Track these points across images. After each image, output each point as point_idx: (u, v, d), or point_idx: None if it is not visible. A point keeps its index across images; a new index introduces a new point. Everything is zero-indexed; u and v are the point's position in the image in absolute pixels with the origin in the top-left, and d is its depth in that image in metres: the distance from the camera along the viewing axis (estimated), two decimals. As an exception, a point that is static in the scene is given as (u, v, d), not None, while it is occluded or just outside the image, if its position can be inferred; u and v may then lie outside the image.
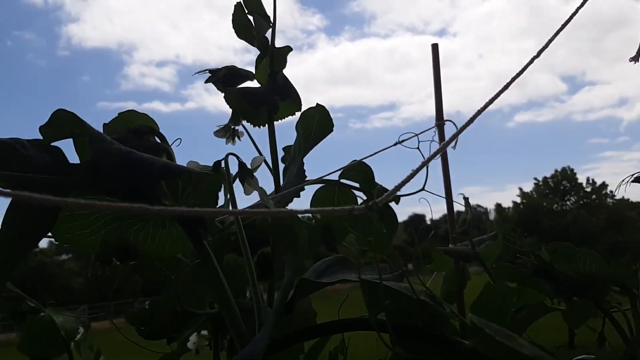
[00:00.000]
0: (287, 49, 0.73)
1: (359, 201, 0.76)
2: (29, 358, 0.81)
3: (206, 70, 0.73)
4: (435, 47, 1.02)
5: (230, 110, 0.74)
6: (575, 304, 0.61)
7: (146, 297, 0.73)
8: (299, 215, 0.62)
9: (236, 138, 0.79)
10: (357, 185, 0.76)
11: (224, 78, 0.73)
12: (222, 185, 0.45)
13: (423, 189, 0.87)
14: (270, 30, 0.73)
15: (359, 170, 0.75)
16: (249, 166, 0.73)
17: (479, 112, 0.34)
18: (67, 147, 0.39)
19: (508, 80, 0.35)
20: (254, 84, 0.76)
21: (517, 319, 0.70)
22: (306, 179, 0.67)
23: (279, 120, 0.74)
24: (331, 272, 0.52)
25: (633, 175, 0.67)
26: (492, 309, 0.69)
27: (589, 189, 18.74)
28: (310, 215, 0.75)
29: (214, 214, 0.41)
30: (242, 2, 0.73)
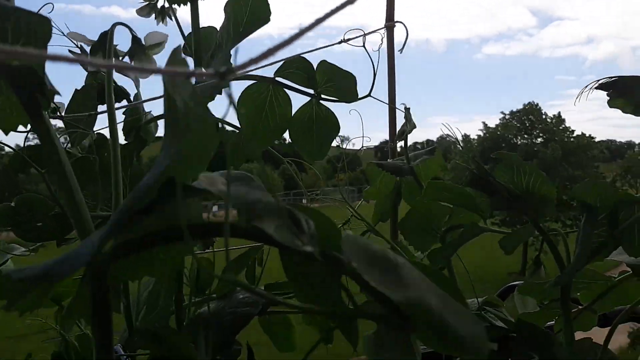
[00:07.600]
0: None
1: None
2: None
3: None
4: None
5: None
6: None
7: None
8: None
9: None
10: (296, 85, 0.64)
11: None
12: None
13: (369, 95, 0.77)
14: None
15: (300, 67, 0.62)
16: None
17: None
18: None
19: None
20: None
21: (449, 240, 0.63)
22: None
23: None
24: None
25: (598, 81, 0.57)
26: (420, 228, 0.63)
27: (560, 127, 18.61)
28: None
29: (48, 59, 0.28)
30: None
